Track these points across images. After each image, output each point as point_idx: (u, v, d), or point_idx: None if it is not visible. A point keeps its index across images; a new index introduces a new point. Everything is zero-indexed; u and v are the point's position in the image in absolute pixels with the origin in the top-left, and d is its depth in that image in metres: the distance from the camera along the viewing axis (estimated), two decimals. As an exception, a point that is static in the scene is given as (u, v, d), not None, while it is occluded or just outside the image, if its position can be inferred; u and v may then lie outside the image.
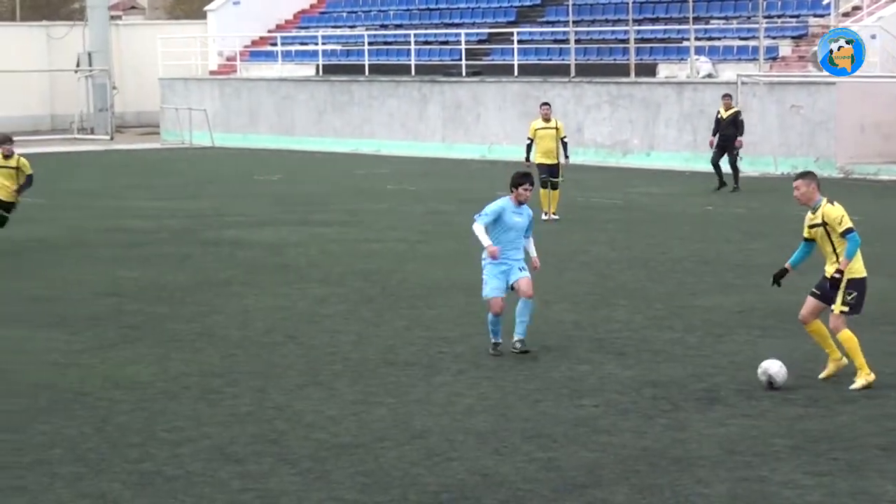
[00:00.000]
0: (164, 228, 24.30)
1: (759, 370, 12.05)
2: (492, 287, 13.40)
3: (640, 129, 38.37)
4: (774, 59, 37.57)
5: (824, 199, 12.05)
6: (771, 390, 11.89)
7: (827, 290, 12.04)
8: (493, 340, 13.50)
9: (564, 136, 25.14)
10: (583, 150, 37.41)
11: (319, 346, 14.12)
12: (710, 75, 37.74)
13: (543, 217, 24.31)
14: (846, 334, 11.97)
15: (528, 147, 25.10)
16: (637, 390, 12.16)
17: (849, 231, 11.91)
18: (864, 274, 12.04)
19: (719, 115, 30.27)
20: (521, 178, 13.49)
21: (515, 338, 13.39)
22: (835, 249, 11.97)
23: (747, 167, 34.24)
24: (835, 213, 11.95)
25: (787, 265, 12.45)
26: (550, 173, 24.74)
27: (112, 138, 52.51)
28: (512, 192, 13.45)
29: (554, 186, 24.75)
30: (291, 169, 37.92)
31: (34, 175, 20.80)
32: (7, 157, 20.57)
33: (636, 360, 13.36)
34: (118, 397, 12.02)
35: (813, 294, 12.16)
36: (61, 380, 12.70)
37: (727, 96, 30.53)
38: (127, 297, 17.18)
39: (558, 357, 13.51)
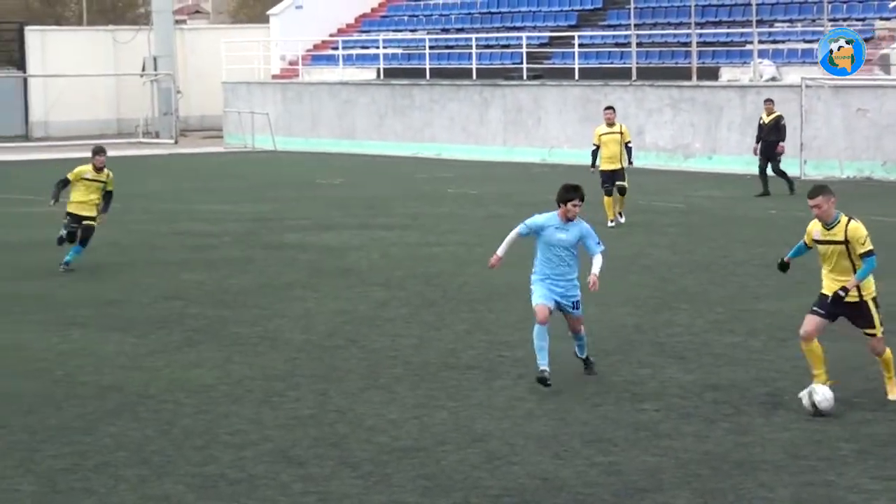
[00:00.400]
0: (228, 232, 24.49)
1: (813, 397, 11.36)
2: (538, 295, 12.47)
3: (701, 133, 38.20)
4: (839, 61, 37.24)
5: (843, 215, 11.54)
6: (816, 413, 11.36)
7: (833, 310, 11.48)
8: (540, 366, 12.28)
9: (629, 141, 24.75)
10: (644, 153, 37.28)
11: (381, 350, 14.18)
12: (773, 78, 37.50)
13: (610, 224, 24.14)
14: (889, 353, 11.68)
15: (594, 153, 24.80)
16: (699, 394, 12.12)
17: (871, 253, 11.43)
18: None
19: (762, 121, 30.04)
20: (568, 194, 12.31)
21: (585, 355, 12.94)
22: (854, 267, 11.44)
23: (812, 171, 34.03)
24: (861, 231, 11.42)
25: (787, 258, 12.08)
26: (615, 178, 24.45)
27: (176, 142, 52.98)
28: (560, 207, 12.37)
29: (621, 191, 24.41)
30: (353, 173, 38.07)
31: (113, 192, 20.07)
32: (99, 169, 19.70)
33: (697, 364, 13.31)
34: (182, 400, 12.13)
35: (818, 313, 11.55)
36: (127, 383, 12.84)
37: (769, 101, 30.29)
38: (191, 300, 17.33)
39: (619, 361, 13.49)
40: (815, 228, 11.62)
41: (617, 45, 42.75)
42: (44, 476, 9.97)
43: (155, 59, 55.33)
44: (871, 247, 11.47)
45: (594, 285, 12.36)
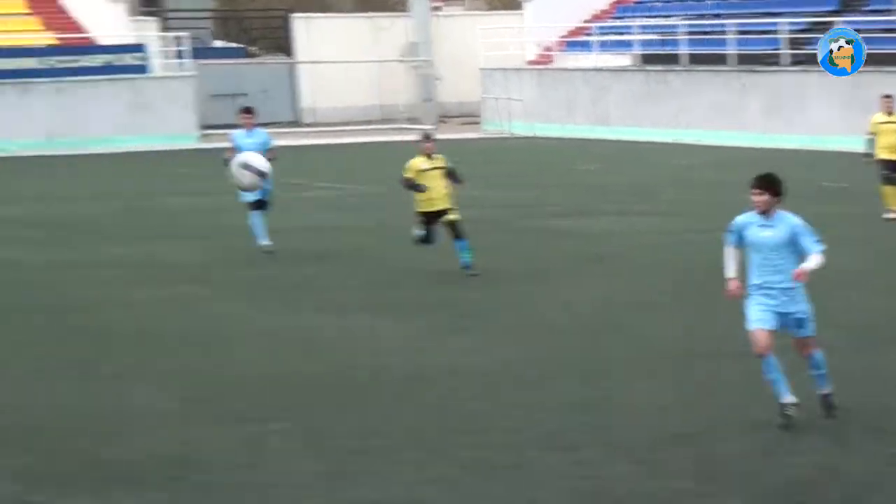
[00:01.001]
0: (489, 217, 24.76)
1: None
2: (754, 319, 10.69)
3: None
4: None
5: None
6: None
7: None
8: (780, 401, 10.63)
9: None
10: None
11: (646, 337, 14.17)
12: None
13: (886, 216, 23.18)
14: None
15: (870, 143, 23.60)
16: None
17: None
18: None
19: None
20: (752, 181, 10.87)
21: (824, 390, 10.87)
22: None
23: None
24: None
25: None
26: (894, 168, 23.19)
27: (437, 128, 53.75)
28: None
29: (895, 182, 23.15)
30: (609, 159, 38.00)
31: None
32: (430, 156, 18.43)
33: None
34: (454, 384, 12.36)
35: None
36: (400, 366, 13.15)
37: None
38: (458, 285, 17.64)
39: None
40: None
41: (883, 30, 41.45)
42: (330, 458, 10.28)
43: (413, 46, 56.20)
44: None
45: (800, 276, 10.52)
